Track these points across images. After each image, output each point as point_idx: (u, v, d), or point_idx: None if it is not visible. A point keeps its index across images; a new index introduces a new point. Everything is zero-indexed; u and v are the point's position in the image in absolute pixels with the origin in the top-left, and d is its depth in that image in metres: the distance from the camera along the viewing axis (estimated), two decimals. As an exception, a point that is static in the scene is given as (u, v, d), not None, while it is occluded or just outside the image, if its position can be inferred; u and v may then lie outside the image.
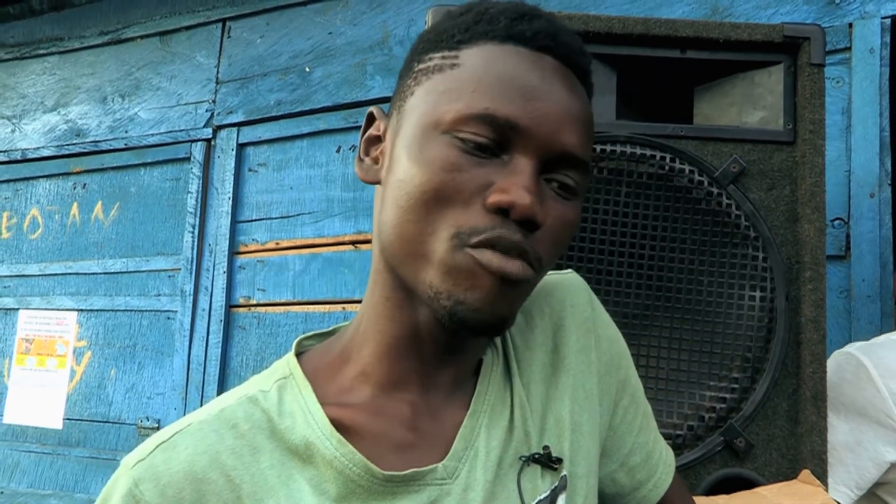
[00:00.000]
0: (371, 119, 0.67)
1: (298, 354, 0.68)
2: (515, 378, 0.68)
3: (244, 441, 0.61)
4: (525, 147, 0.58)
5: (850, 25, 1.58)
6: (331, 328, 0.72)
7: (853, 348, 1.18)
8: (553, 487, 0.65)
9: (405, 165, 0.59)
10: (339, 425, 0.61)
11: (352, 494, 0.59)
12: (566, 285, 0.74)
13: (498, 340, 0.71)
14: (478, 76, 0.58)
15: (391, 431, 0.63)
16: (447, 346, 0.64)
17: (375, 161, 0.66)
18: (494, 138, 0.58)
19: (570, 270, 0.77)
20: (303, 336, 0.71)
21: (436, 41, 0.63)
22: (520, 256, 0.57)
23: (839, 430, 1.12)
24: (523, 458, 0.65)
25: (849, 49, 1.58)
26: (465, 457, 0.63)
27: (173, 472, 0.58)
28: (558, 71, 0.60)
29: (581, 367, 0.71)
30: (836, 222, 1.55)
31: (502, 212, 0.57)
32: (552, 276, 0.75)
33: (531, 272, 0.59)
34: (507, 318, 0.60)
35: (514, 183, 0.56)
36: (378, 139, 0.66)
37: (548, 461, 0.65)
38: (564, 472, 0.66)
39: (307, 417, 0.62)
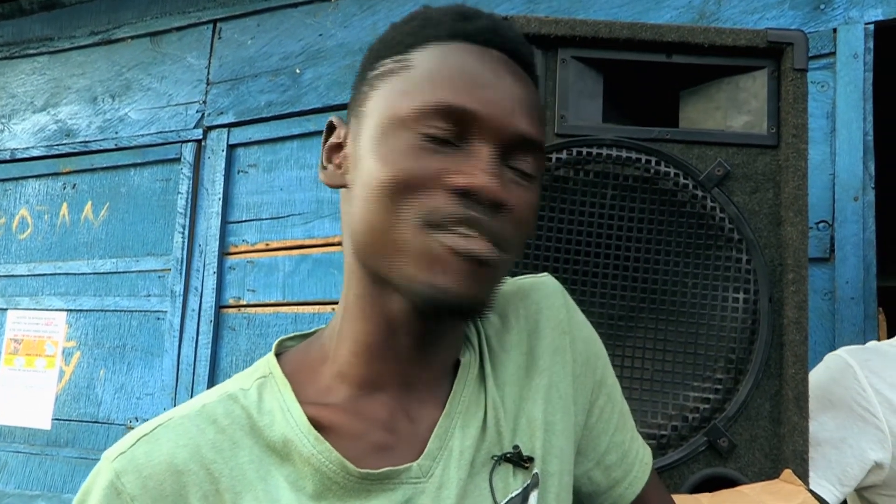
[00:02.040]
0: (331, 128, 0.69)
1: (278, 354, 0.69)
2: (490, 379, 0.70)
3: (224, 436, 0.62)
4: (482, 134, 0.60)
5: (835, 31, 1.60)
6: (312, 330, 0.73)
7: (842, 351, 1.21)
8: (525, 485, 0.66)
9: (369, 163, 0.61)
10: (317, 424, 0.63)
11: (328, 492, 0.61)
12: (541, 288, 0.76)
13: (475, 342, 0.72)
14: (430, 73, 0.61)
15: (368, 431, 0.64)
16: (423, 339, 0.66)
17: (338, 167, 0.68)
18: (452, 129, 0.60)
19: (545, 274, 0.79)
20: (284, 337, 0.72)
21: (385, 49, 0.66)
22: (487, 238, 0.59)
23: (825, 428, 1.14)
24: (495, 458, 0.66)
25: (833, 54, 1.60)
26: (440, 456, 0.64)
27: (154, 464, 0.59)
28: (504, 62, 0.63)
29: (555, 368, 0.72)
30: (821, 225, 1.56)
31: (466, 195, 0.58)
32: (528, 279, 0.77)
33: (499, 252, 0.60)
34: (482, 300, 0.61)
35: (475, 166, 0.59)
36: (339, 146, 0.68)
37: (519, 460, 0.66)
38: (536, 471, 0.67)
39: (286, 415, 0.63)
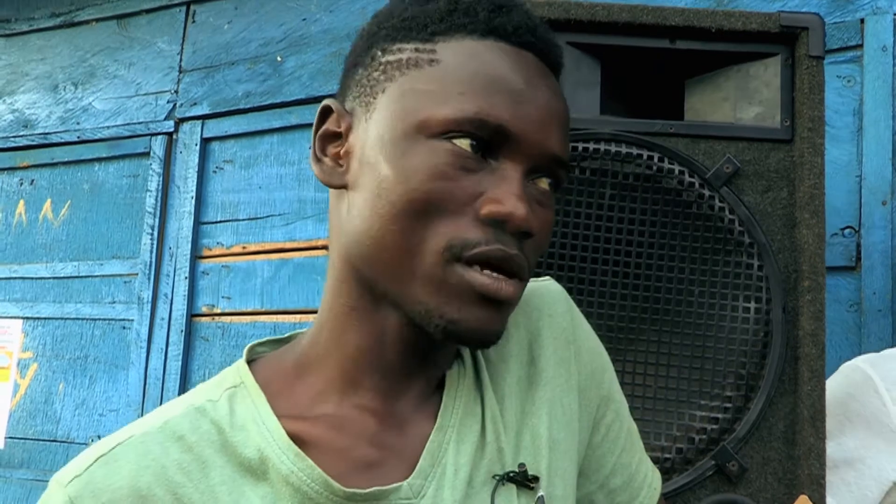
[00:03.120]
0: (326, 112, 0.67)
1: (250, 362, 0.68)
2: (488, 391, 0.69)
3: (191, 455, 0.61)
4: (514, 152, 0.60)
5: (862, 21, 1.60)
6: (286, 335, 0.73)
7: (860, 360, 1.20)
8: None
9: (385, 172, 0.60)
10: (296, 438, 0.62)
11: None
12: (543, 293, 0.75)
13: (466, 352, 0.72)
14: (462, 76, 0.60)
15: (353, 447, 0.64)
16: (415, 352, 0.66)
17: (337, 161, 0.66)
18: (484, 143, 0.60)
19: (548, 277, 0.78)
20: (255, 342, 0.71)
21: (404, 30, 0.63)
22: (513, 274, 0.60)
23: (844, 447, 1.14)
24: (497, 477, 0.66)
25: (860, 46, 1.60)
26: (432, 474, 0.64)
27: (115, 488, 0.59)
28: (539, 69, 0.63)
29: (559, 380, 0.72)
30: (847, 231, 1.56)
31: (496, 223, 0.59)
32: (529, 284, 0.76)
33: (522, 287, 0.62)
34: (500, 332, 0.63)
35: (507, 192, 0.59)
36: (336, 136, 0.66)
37: (524, 480, 0.66)
38: (541, 493, 0.67)
39: (261, 429, 0.62)
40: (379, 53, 0.64)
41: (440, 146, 0.59)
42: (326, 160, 0.66)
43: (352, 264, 0.64)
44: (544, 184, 0.63)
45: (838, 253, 1.54)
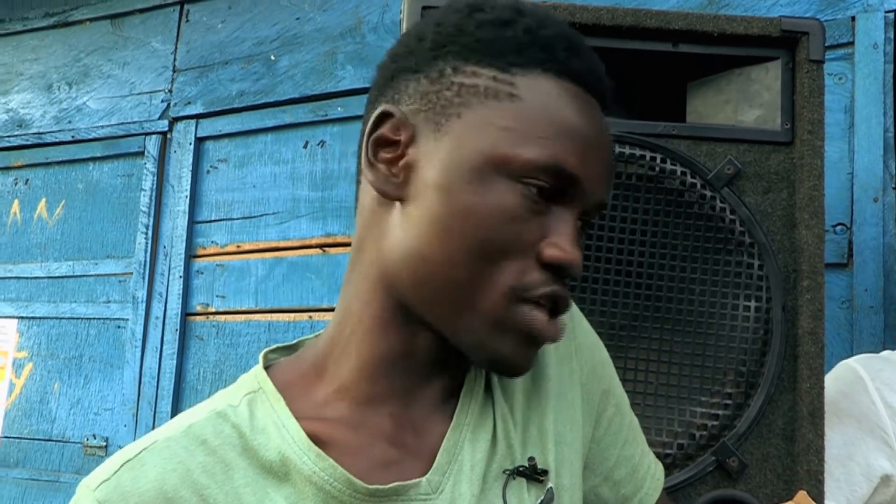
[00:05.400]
0: (385, 117, 0.64)
1: (266, 367, 0.69)
2: (497, 390, 0.71)
3: (215, 458, 0.62)
4: (576, 200, 0.63)
5: (853, 19, 1.62)
6: (294, 341, 0.74)
7: (853, 360, 1.23)
8: (539, 501, 0.67)
9: (459, 203, 0.60)
10: (316, 439, 0.63)
11: None
12: None
13: None
14: (543, 119, 0.61)
15: (372, 446, 0.65)
16: (436, 364, 0.67)
17: (393, 172, 0.64)
18: (555, 189, 0.61)
19: None
20: (268, 349, 0.72)
21: (479, 52, 0.62)
22: (562, 312, 0.64)
23: (833, 444, 1.15)
24: (508, 472, 0.67)
25: (851, 44, 1.61)
26: (450, 471, 0.65)
27: (142, 491, 0.60)
28: (601, 116, 0.65)
29: (562, 376, 0.74)
30: (838, 228, 1.58)
31: (554, 267, 0.61)
32: None
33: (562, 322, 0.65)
34: (532, 366, 0.66)
35: (566, 238, 0.62)
36: (393, 144, 0.64)
37: (533, 473, 0.68)
38: (550, 485, 0.69)
39: (281, 432, 0.63)
40: (449, 71, 0.63)
41: (517, 188, 0.60)
42: (382, 168, 0.64)
43: (391, 278, 0.64)
44: (585, 223, 0.66)
45: (830, 250, 1.55)
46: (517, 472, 0.67)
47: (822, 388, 1.06)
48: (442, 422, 0.68)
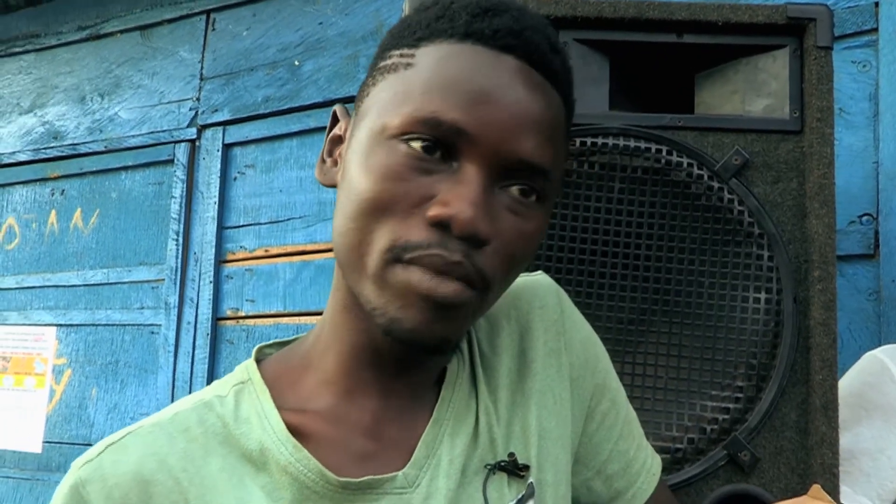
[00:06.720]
0: (335, 118, 0.70)
1: (258, 361, 0.71)
2: (481, 384, 0.71)
3: (196, 445, 0.64)
4: (473, 155, 0.59)
5: (877, 5, 1.58)
6: (292, 337, 0.75)
7: (879, 351, 1.20)
8: (520, 496, 0.68)
9: (353, 171, 0.62)
10: (295, 431, 0.64)
11: (307, 501, 0.62)
12: (534, 287, 0.77)
13: (465, 346, 0.73)
14: (428, 78, 0.60)
15: (351, 439, 0.66)
16: (403, 357, 0.67)
17: (335, 163, 0.68)
18: (440, 144, 0.59)
19: (540, 272, 0.80)
20: (263, 344, 0.74)
21: (398, 37, 0.65)
22: (458, 278, 0.58)
23: (862, 438, 1.13)
24: (489, 466, 0.68)
25: (875, 30, 1.58)
26: (427, 465, 0.66)
27: (120, 473, 0.62)
28: (520, 72, 0.61)
29: (549, 371, 0.74)
30: (864, 218, 1.55)
31: (443, 226, 0.58)
32: (520, 279, 0.77)
33: (470, 293, 0.60)
34: (448, 339, 0.62)
35: (458, 195, 0.57)
36: (340, 140, 0.69)
37: (514, 468, 0.68)
38: (531, 480, 0.69)
39: (263, 423, 0.65)
40: (378, 61, 0.66)
41: (396, 146, 0.59)
42: (329, 161, 0.69)
43: (337, 264, 0.67)
44: (516, 191, 0.61)
45: (856, 241, 1.53)
46: (498, 467, 0.68)
47: (836, 379, 1.04)
48: (423, 414, 0.69)
